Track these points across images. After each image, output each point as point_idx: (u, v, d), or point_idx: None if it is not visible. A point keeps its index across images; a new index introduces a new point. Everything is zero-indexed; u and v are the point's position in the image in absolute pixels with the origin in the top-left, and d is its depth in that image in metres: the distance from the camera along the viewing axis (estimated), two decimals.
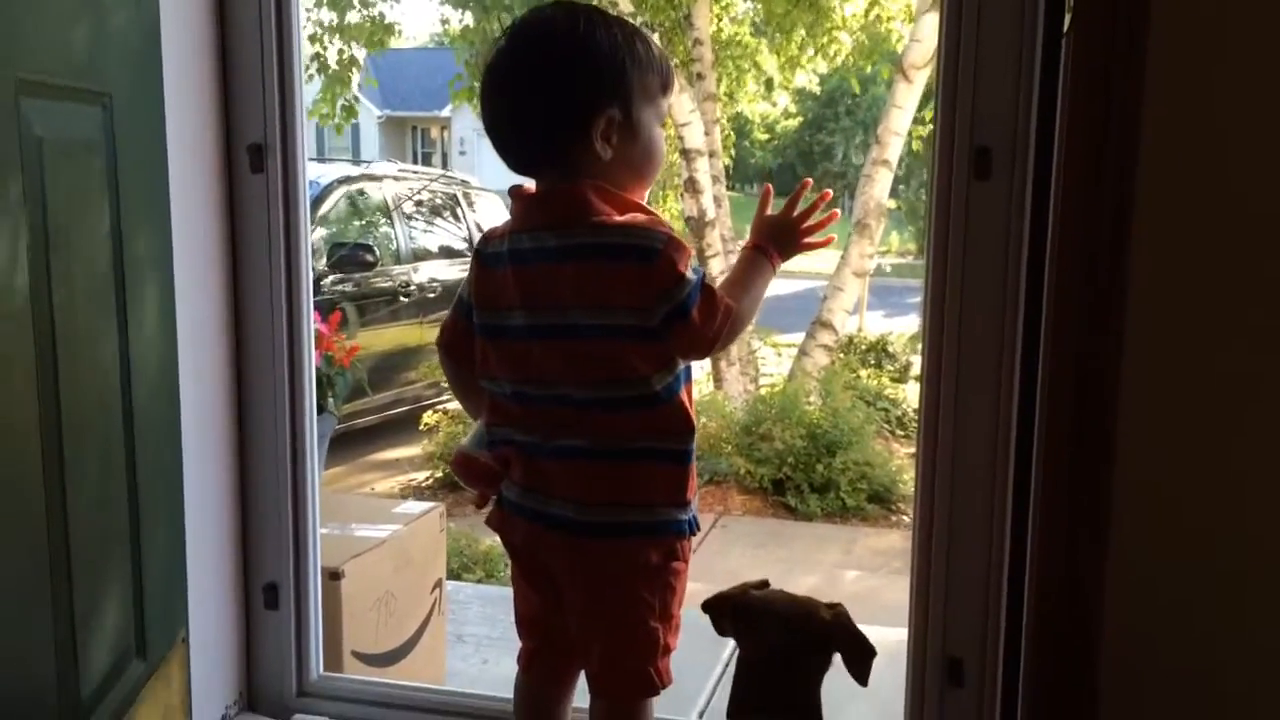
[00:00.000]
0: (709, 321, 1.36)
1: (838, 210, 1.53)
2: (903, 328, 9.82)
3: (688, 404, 1.42)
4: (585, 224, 1.36)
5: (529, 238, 1.41)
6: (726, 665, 2.49)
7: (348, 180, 6.39)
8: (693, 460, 1.43)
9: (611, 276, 1.35)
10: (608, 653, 1.46)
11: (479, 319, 1.48)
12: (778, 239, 1.50)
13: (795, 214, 1.51)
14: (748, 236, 1.55)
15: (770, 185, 1.61)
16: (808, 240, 1.51)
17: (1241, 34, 1.38)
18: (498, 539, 1.55)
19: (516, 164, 1.43)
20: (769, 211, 1.52)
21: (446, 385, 1.69)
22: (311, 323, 2.05)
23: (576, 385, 1.40)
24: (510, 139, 1.42)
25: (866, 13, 7.97)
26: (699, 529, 1.46)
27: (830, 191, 1.57)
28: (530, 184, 1.45)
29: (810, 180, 1.56)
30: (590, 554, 1.43)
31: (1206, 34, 1.38)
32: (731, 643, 1.54)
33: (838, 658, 1.47)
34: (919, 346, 2.91)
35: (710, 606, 1.53)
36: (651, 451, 1.41)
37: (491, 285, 1.45)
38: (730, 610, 1.51)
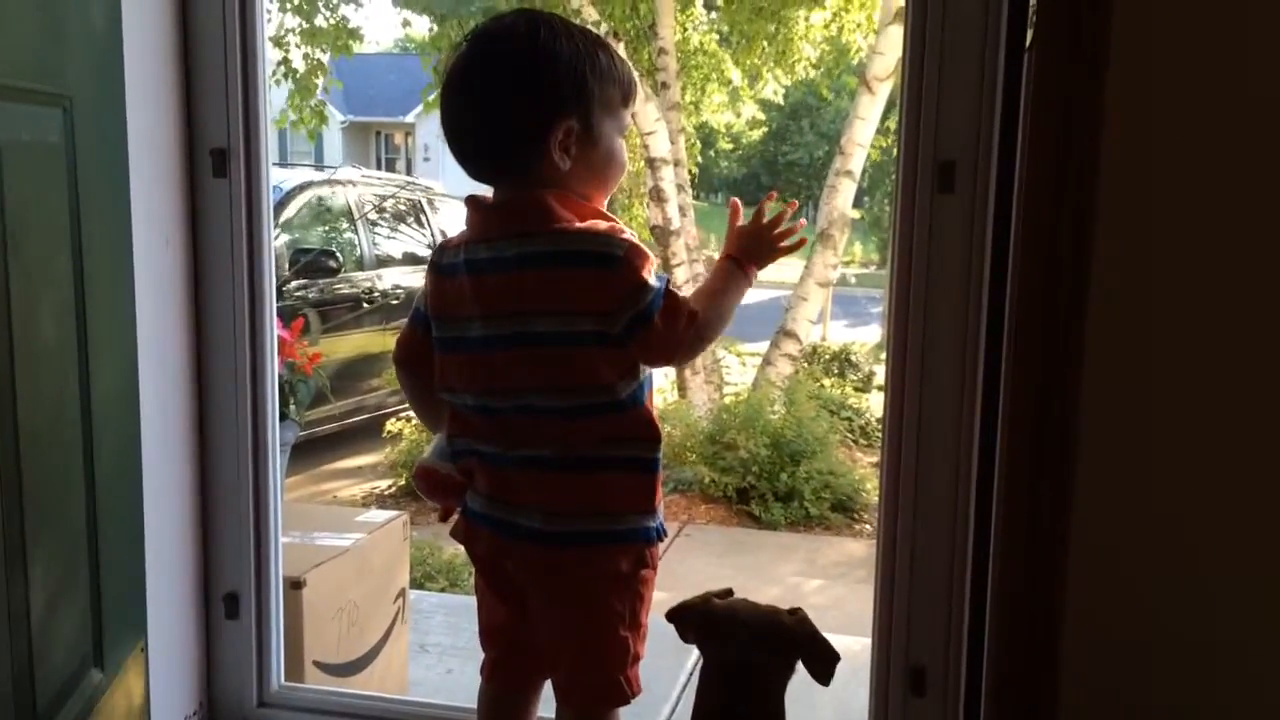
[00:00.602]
0: (673, 327, 1.36)
1: (804, 219, 1.54)
2: (866, 337, 9.89)
3: (653, 411, 1.42)
4: (545, 231, 1.36)
5: (485, 247, 1.40)
6: (691, 673, 2.49)
7: (311, 185, 6.35)
8: (659, 467, 1.43)
9: (573, 283, 1.35)
10: (578, 662, 1.46)
11: (437, 331, 1.46)
12: (751, 248, 1.50)
13: (765, 221, 1.51)
14: (720, 248, 1.55)
15: (737, 199, 1.61)
16: (781, 245, 1.51)
17: (1201, 48, 1.40)
18: (461, 548, 1.54)
19: (475, 172, 1.42)
20: (740, 223, 1.53)
21: None
22: (274, 329, 2.04)
23: (540, 394, 1.39)
24: (468, 147, 1.41)
25: (828, 25, 8.03)
26: (666, 534, 1.46)
27: (797, 201, 1.58)
28: (487, 192, 1.44)
29: (775, 191, 1.57)
30: (559, 563, 1.42)
31: (1167, 49, 1.41)
32: (696, 651, 1.54)
33: (801, 665, 1.47)
34: (882, 356, 2.93)
35: (674, 615, 1.53)
36: (619, 459, 1.40)
37: (449, 296, 1.44)
38: (694, 619, 1.51)
